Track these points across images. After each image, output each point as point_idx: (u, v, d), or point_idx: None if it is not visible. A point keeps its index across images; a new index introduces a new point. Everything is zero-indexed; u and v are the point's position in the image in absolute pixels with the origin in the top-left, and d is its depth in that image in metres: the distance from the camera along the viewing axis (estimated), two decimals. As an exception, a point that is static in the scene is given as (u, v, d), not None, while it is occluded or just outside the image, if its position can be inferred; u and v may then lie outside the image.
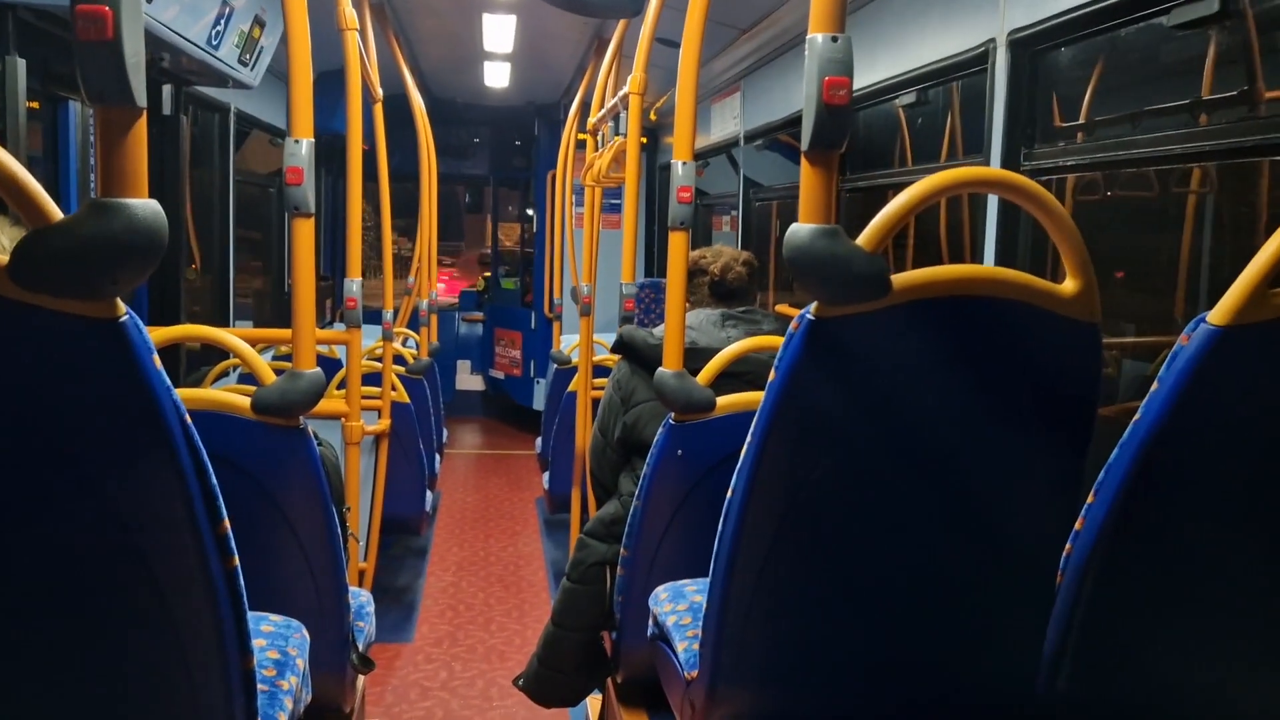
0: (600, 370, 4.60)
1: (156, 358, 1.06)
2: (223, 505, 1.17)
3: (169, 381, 1.07)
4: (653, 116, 6.99)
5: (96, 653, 1.21)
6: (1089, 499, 1.33)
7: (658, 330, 2.47)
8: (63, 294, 0.98)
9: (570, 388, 4.90)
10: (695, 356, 2.18)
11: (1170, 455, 1.25)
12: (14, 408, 1.04)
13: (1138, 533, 1.32)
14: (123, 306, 1.02)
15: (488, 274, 10.02)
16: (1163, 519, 1.32)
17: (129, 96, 0.99)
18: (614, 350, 2.56)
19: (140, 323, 1.04)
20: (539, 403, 7.88)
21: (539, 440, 6.14)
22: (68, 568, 1.15)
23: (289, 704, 1.54)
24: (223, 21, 3.42)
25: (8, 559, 1.12)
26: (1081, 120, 2.48)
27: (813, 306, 1.27)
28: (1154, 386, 1.23)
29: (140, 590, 1.17)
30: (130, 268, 0.99)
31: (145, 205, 1.01)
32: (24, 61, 2.60)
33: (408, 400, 4.48)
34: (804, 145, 1.27)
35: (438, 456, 5.64)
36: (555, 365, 5.76)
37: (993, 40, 2.52)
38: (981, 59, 2.58)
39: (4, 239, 1.54)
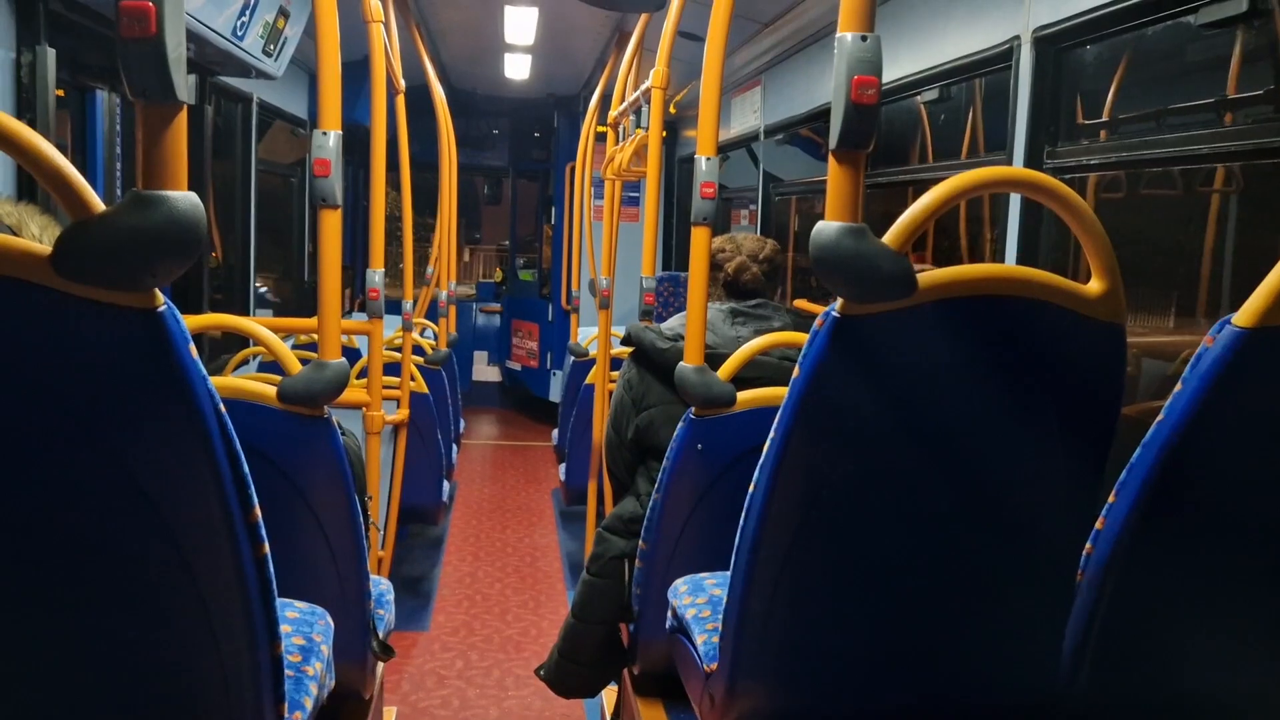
0: (618, 363, 4.61)
1: (193, 347, 1.07)
2: (254, 493, 1.19)
3: (205, 371, 1.09)
4: (672, 109, 6.99)
5: (129, 636, 1.23)
6: (1111, 498, 1.34)
7: (666, 326, 2.47)
8: (104, 285, 1.00)
9: (588, 380, 4.92)
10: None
11: (1193, 456, 1.25)
12: (53, 395, 1.06)
13: (1159, 533, 1.33)
14: (161, 297, 1.04)
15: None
16: (1185, 519, 1.33)
17: (171, 92, 1.01)
18: (624, 344, 2.57)
19: (177, 313, 1.06)
20: (555, 394, 7.90)
21: (555, 432, 6.17)
22: (102, 552, 1.17)
23: (314, 689, 1.57)
24: (248, 12, 3.45)
25: (44, 543, 1.14)
26: (1105, 118, 2.48)
27: (838, 304, 1.27)
28: (1178, 387, 1.23)
29: (172, 575, 1.19)
30: (170, 259, 1.01)
31: (185, 198, 1.03)
32: (54, 51, 2.63)
33: (426, 391, 4.50)
34: (831, 144, 1.27)
35: (455, 447, 5.67)
36: (572, 357, 5.78)
37: (1017, 37, 2.52)
38: (1005, 56, 2.58)
39: (33, 227, 1.56)
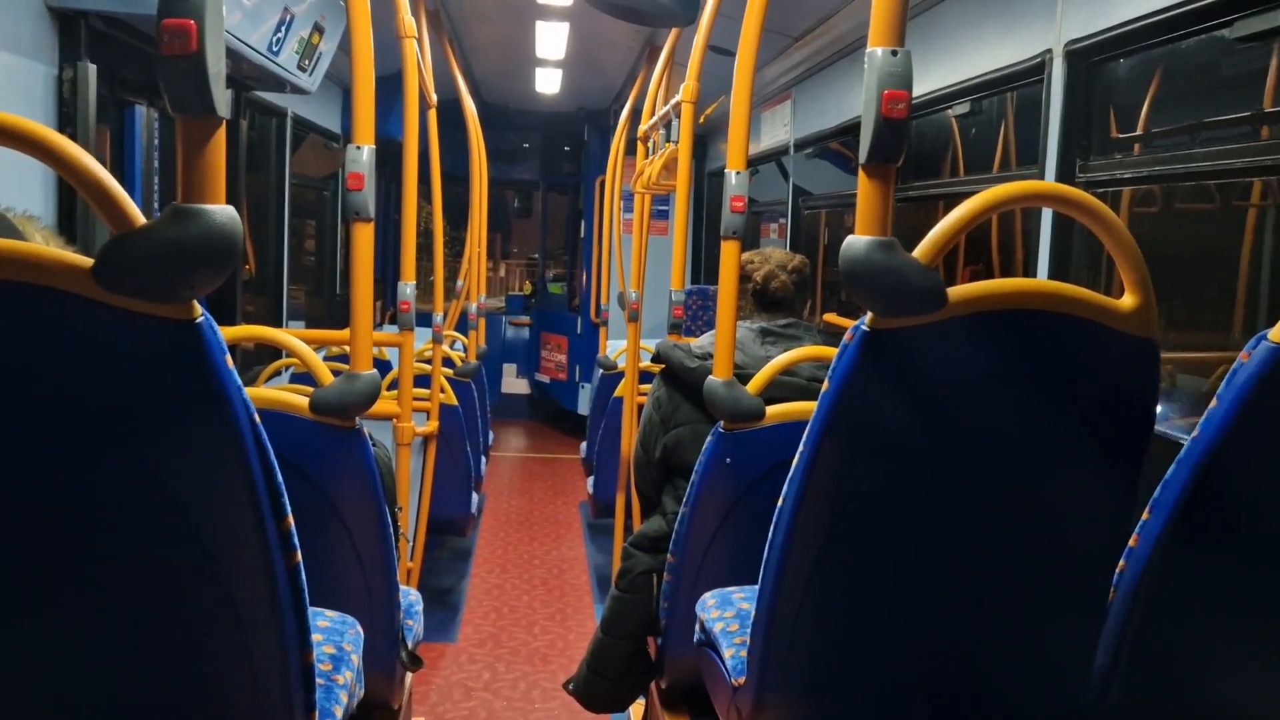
0: (647, 376, 4.62)
1: (229, 358, 1.09)
2: (287, 502, 1.21)
3: (240, 381, 1.11)
4: (701, 120, 7.00)
5: (162, 643, 1.25)
6: (1144, 516, 1.32)
7: (695, 344, 2.47)
8: (143, 296, 1.02)
9: (616, 393, 4.92)
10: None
11: (1229, 473, 1.24)
12: (90, 403, 1.08)
13: (1194, 550, 1.31)
14: (198, 308, 1.05)
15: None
16: (1219, 537, 1.31)
17: (211, 107, 1.03)
18: (654, 361, 2.57)
19: (214, 324, 1.07)
20: (584, 407, 7.92)
21: (584, 445, 6.18)
22: (136, 560, 1.18)
23: (344, 698, 1.58)
24: (283, 28, 3.49)
25: (80, 550, 1.16)
26: (1139, 132, 2.46)
27: (867, 318, 1.27)
28: (1213, 404, 1.22)
29: (206, 583, 1.21)
30: (208, 271, 1.03)
31: (222, 211, 1.05)
32: (95, 67, 2.68)
33: (456, 403, 4.52)
34: (862, 158, 1.27)
35: (484, 459, 5.68)
36: (601, 370, 5.79)
37: (1049, 51, 2.51)
38: (1037, 70, 2.56)
39: (38, 237, 1.58)
